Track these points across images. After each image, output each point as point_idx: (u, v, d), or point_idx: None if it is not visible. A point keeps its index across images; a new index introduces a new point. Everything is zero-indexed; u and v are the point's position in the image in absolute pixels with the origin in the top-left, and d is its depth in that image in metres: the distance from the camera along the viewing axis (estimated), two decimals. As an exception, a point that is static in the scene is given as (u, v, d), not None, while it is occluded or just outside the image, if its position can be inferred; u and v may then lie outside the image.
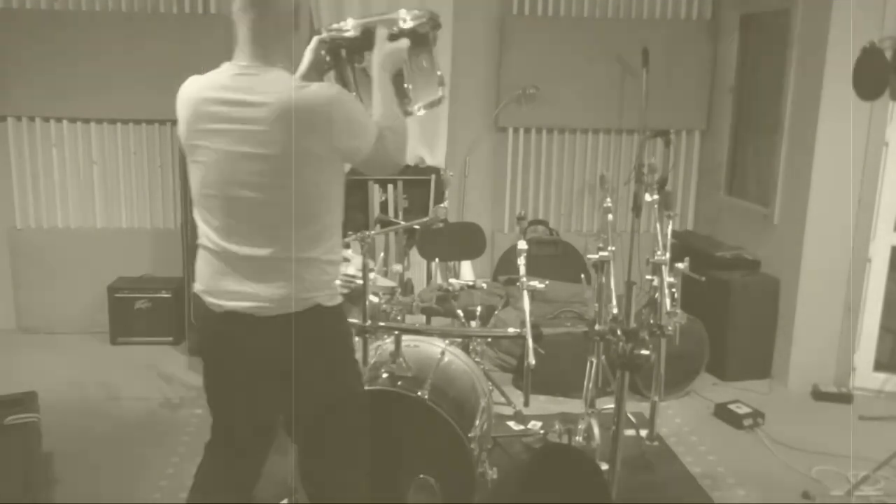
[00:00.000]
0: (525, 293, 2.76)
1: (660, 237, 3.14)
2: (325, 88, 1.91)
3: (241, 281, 1.93)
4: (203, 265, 2.01)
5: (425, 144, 4.99)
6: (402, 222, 2.95)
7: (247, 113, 1.84)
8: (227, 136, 1.87)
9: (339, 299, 2.05)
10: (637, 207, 2.89)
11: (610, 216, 3.06)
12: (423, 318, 3.56)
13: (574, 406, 3.76)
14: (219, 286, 1.96)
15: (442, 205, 2.74)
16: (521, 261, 2.85)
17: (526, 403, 2.81)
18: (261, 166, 1.85)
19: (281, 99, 1.82)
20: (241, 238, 1.92)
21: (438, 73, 2.28)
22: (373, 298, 2.82)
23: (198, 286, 2.03)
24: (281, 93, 1.84)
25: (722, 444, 3.62)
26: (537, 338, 2.66)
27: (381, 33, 2.07)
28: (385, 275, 3.67)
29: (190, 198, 2.05)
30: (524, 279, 2.79)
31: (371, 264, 2.82)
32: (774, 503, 3.13)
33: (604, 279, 2.90)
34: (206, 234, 1.98)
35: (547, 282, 2.90)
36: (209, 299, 1.99)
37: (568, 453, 3.00)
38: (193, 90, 1.99)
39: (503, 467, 2.91)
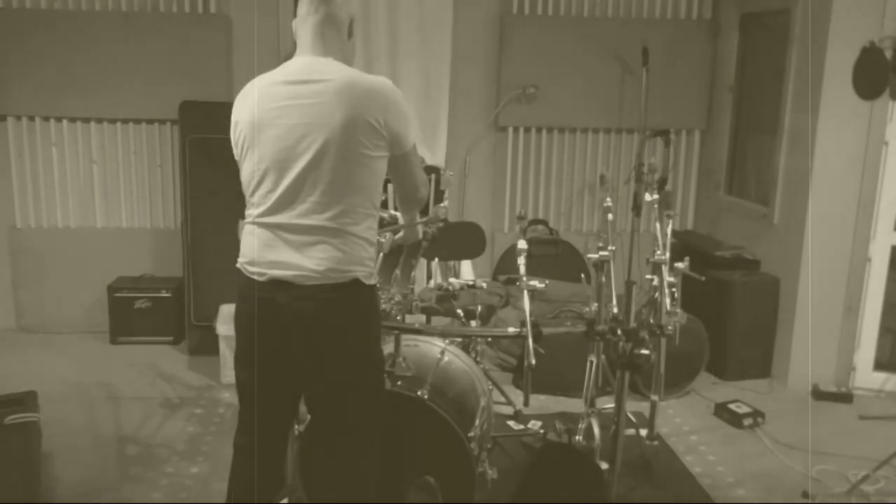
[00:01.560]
0: (525, 293, 2.76)
1: (660, 237, 3.15)
2: (386, 79, 2.09)
3: (286, 251, 2.04)
4: (249, 238, 2.11)
5: (425, 144, 5.00)
6: (402, 222, 2.94)
7: (310, 88, 2.01)
8: (291, 111, 2.01)
9: (375, 280, 2.14)
10: (637, 207, 2.90)
11: (610, 216, 3.06)
12: (423, 317, 3.56)
13: (574, 406, 3.76)
14: (264, 256, 2.06)
15: (442, 204, 2.73)
16: (521, 260, 2.85)
17: (526, 403, 2.81)
18: (317, 136, 1.98)
19: (343, 75, 2.03)
20: (290, 209, 2.03)
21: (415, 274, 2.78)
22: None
23: (241, 259, 2.13)
24: (343, 72, 2.04)
25: (722, 443, 3.62)
26: (537, 337, 2.66)
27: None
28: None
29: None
30: (524, 279, 2.79)
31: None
32: (774, 503, 3.13)
33: (604, 279, 2.89)
34: (257, 206, 2.08)
35: (547, 281, 2.90)
36: (253, 269, 2.08)
37: (568, 453, 3.00)
38: (258, 83, 2.11)
39: (503, 467, 2.91)
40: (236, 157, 2.15)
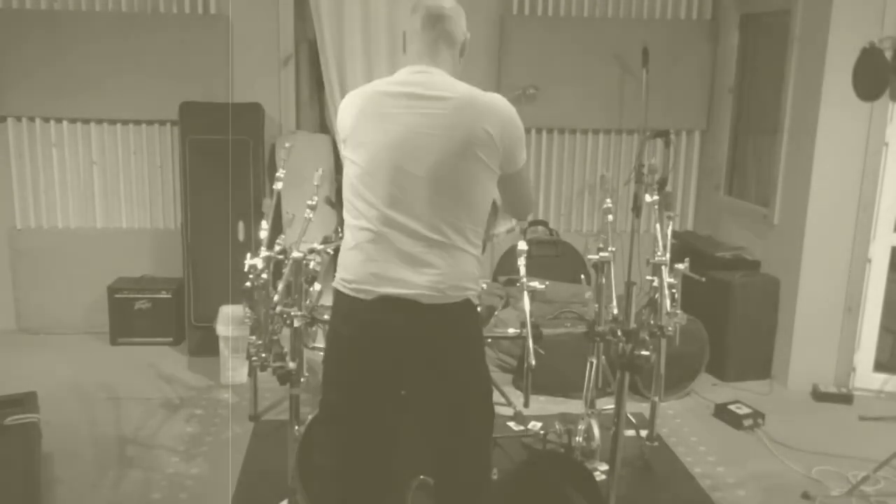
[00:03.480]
0: (525, 293, 2.76)
1: (660, 237, 3.14)
2: (502, 98, 2.06)
3: (398, 266, 1.94)
4: (353, 255, 2.00)
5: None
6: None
7: (430, 100, 1.97)
8: (411, 120, 1.95)
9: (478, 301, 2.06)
10: (637, 208, 2.89)
11: (610, 216, 3.05)
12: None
13: (574, 406, 3.76)
14: (371, 272, 1.95)
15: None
16: (521, 261, 2.85)
17: (526, 404, 2.80)
18: (436, 148, 1.93)
19: (463, 90, 2.01)
20: (403, 221, 1.94)
21: None
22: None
23: (343, 277, 2.01)
24: (462, 87, 2.03)
25: (722, 444, 3.62)
26: (537, 338, 2.66)
27: None
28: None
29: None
30: (524, 279, 2.78)
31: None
32: (774, 503, 3.13)
33: (604, 280, 2.89)
34: (364, 217, 1.98)
35: (547, 282, 2.89)
36: (359, 287, 1.97)
37: (558, 461, 2.99)
38: (367, 88, 2.06)
39: (503, 468, 2.91)
40: (342, 158, 2.08)
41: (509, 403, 3.62)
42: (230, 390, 4.05)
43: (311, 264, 2.72)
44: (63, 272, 4.81)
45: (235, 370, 4.08)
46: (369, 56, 4.84)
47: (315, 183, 2.82)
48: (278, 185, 2.88)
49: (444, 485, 2.16)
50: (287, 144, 2.97)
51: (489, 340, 4.19)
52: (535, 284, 2.76)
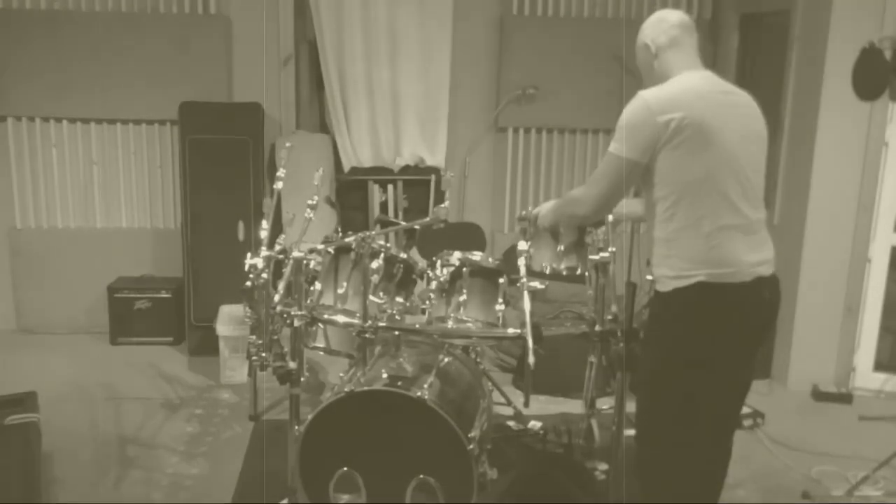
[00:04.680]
0: (525, 293, 2.76)
1: (660, 237, 3.13)
2: None
3: (757, 249, 2.30)
4: (724, 243, 2.24)
5: (425, 144, 4.99)
6: (402, 222, 2.93)
7: (736, 99, 2.36)
8: (736, 119, 2.29)
9: None
10: (637, 207, 2.89)
11: (610, 217, 3.05)
12: (424, 318, 3.55)
13: (574, 406, 3.76)
14: (746, 258, 2.26)
15: (443, 205, 2.73)
16: (521, 261, 2.85)
17: (526, 404, 2.80)
18: (756, 140, 2.37)
19: (744, 91, 2.42)
20: (749, 210, 2.27)
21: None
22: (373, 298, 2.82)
23: (712, 271, 2.25)
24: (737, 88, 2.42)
25: (722, 444, 3.61)
26: (537, 338, 2.66)
27: None
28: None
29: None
30: (524, 279, 2.79)
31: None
32: (774, 503, 3.13)
33: (604, 280, 2.89)
34: (728, 211, 2.24)
35: (547, 282, 2.90)
36: (735, 270, 2.24)
37: (558, 461, 2.99)
38: (695, 87, 2.36)
39: (503, 467, 2.91)
40: (654, 151, 2.27)
41: (509, 403, 3.62)
42: (231, 390, 4.05)
43: (312, 264, 2.72)
44: (63, 272, 4.81)
45: (235, 370, 4.09)
46: (369, 56, 4.84)
47: (315, 183, 2.82)
48: (278, 185, 2.88)
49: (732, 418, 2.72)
50: (287, 144, 2.97)
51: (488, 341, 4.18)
52: (535, 284, 2.76)
